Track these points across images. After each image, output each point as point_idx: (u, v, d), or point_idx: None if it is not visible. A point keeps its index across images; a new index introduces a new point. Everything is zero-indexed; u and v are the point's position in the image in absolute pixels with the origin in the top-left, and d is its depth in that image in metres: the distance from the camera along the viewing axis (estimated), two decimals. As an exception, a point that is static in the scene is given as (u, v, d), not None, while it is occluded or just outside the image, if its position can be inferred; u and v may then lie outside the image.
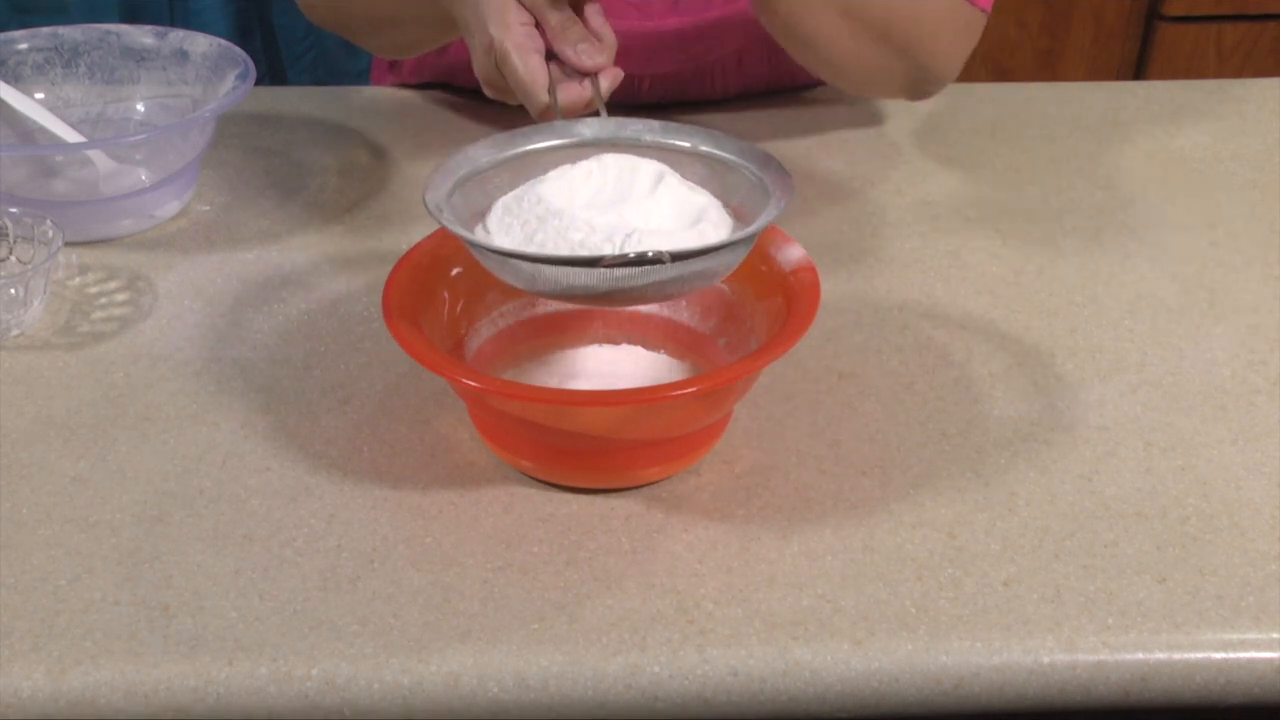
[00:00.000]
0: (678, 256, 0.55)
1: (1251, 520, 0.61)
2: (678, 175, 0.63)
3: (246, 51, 0.88)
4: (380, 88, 1.08)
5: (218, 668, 0.53)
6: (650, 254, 0.55)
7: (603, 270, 0.55)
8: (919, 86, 0.86)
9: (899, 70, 0.83)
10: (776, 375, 0.70)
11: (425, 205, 0.59)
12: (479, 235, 0.61)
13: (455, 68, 1.03)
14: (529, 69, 0.67)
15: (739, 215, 0.62)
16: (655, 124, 0.66)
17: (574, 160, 0.64)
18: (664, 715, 0.54)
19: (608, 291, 0.57)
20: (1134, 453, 0.66)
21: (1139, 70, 1.89)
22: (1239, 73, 1.87)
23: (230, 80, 0.87)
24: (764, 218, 0.59)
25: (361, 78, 1.51)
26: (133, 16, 1.48)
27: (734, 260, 0.60)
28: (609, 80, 0.69)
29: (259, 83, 0.86)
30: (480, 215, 0.63)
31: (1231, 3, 1.82)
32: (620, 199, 0.61)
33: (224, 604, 0.56)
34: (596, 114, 0.67)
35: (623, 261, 0.55)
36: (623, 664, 0.54)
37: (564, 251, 0.57)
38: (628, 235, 0.57)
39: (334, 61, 1.59)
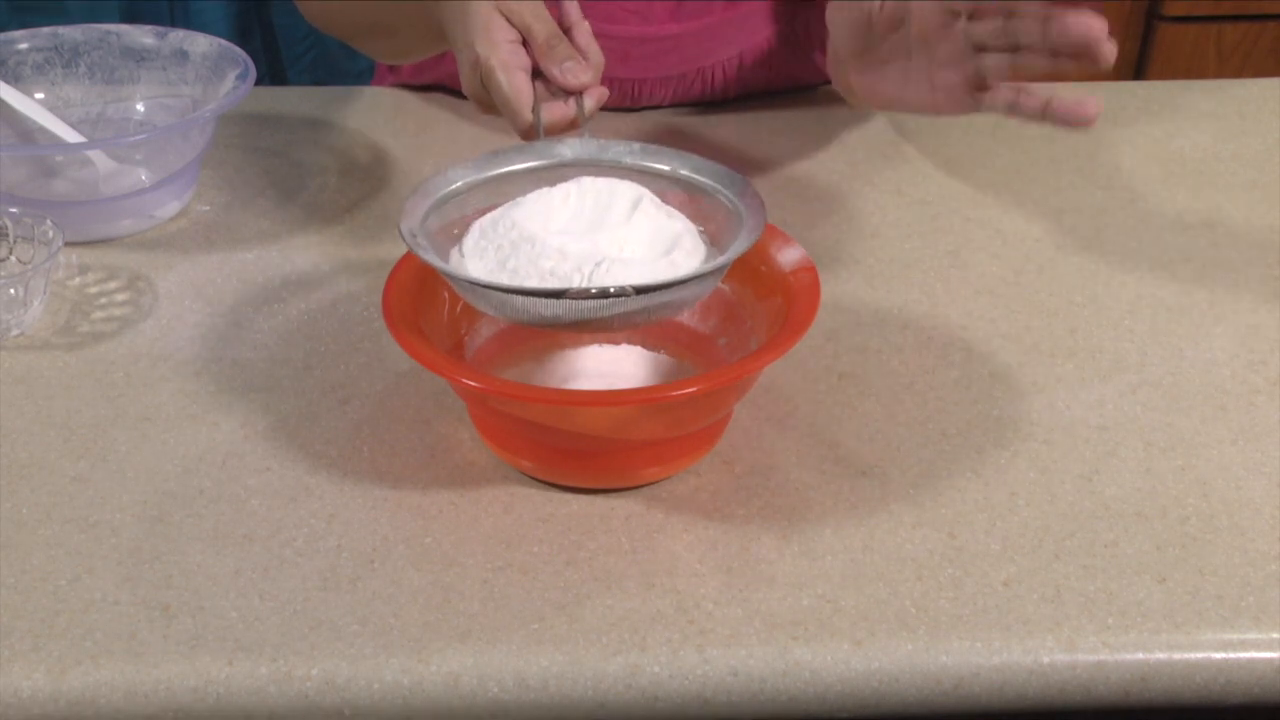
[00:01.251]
0: (641, 290, 0.56)
1: (1251, 520, 0.61)
2: (656, 200, 0.63)
3: (246, 51, 0.88)
4: (380, 88, 1.08)
5: (218, 668, 0.53)
6: (613, 289, 0.55)
7: (568, 301, 0.56)
8: None
9: None
10: (776, 375, 0.70)
11: (399, 232, 0.60)
12: (453, 258, 0.61)
13: (453, 74, 1.02)
14: (513, 86, 0.67)
15: (715, 241, 0.63)
16: (636, 146, 0.66)
17: (553, 182, 0.64)
18: (664, 715, 0.54)
19: (575, 321, 0.58)
20: (1134, 453, 0.66)
21: (1139, 70, 1.89)
22: (1239, 73, 1.86)
23: (230, 80, 0.87)
24: (732, 251, 0.60)
25: (361, 78, 1.50)
26: (133, 16, 1.48)
27: (701, 291, 0.60)
28: (594, 99, 0.69)
29: (259, 83, 0.86)
30: (458, 236, 0.63)
31: (1231, 3, 1.82)
32: (596, 224, 0.62)
33: (224, 604, 0.56)
34: (580, 133, 0.68)
35: (587, 294, 0.56)
36: (623, 664, 0.54)
37: (534, 279, 0.58)
38: (597, 265, 0.58)
39: (334, 61, 1.59)
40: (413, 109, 1.03)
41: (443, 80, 1.04)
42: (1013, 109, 0.64)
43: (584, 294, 0.56)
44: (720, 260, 0.59)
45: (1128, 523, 0.61)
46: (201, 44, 0.90)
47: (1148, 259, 0.83)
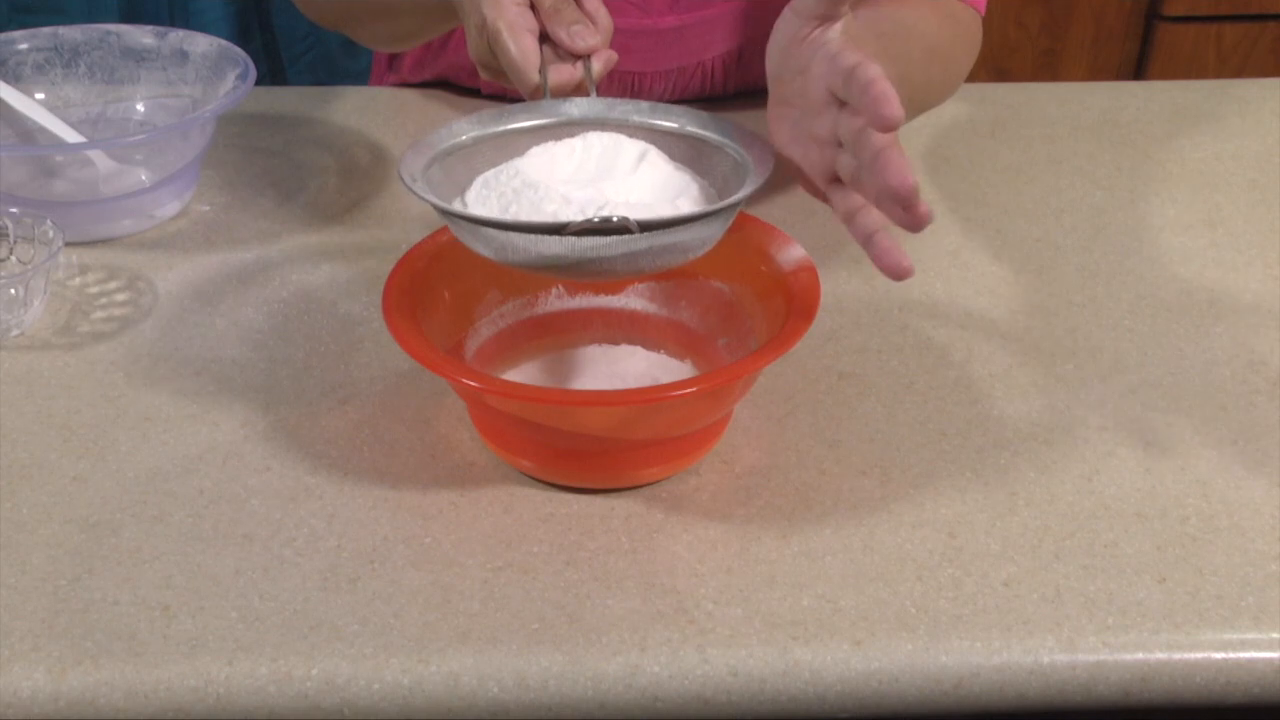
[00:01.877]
0: (645, 226, 0.55)
1: (1251, 520, 0.61)
2: (662, 154, 0.62)
3: (246, 51, 0.88)
4: (380, 87, 1.08)
5: (218, 668, 0.53)
6: (615, 219, 0.54)
7: (570, 239, 0.55)
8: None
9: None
10: (776, 375, 0.70)
11: (399, 174, 0.59)
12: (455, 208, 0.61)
13: (454, 66, 1.03)
14: (521, 49, 0.67)
15: (723, 196, 0.62)
16: (643, 104, 0.66)
17: (559, 138, 0.63)
18: (664, 715, 0.54)
19: (577, 261, 0.56)
20: (1134, 453, 0.66)
21: (1139, 70, 1.89)
22: (1239, 73, 1.87)
23: (230, 80, 0.87)
24: (740, 193, 0.58)
25: (361, 78, 1.50)
26: (132, 16, 1.48)
27: (707, 235, 0.59)
28: (601, 63, 0.69)
29: (259, 83, 0.86)
30: (461, 189, 0.62)
31: (1231, 3, 1.82)
32: (602, 176, 0.61)
33: (224, 604, 0.56)
34: (586, 95, 0.67)
35: (588, 228, 0.54)
36: (623, 664, 0.54)
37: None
38: (601, 209, 0.57)
39: (334, 61, 1.59)
40: (413, 108, 1.03)
41: (443, 74, 1.04)
42: (848, 220, 0.60)
43: (585, 228, 0.54)
44: (728, 201, 0.58)
45: (1128, 523, 0.61)
46: (201, 44, 0.90)
47: (1148, 259, 0.83)
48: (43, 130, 0.88)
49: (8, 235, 0.77)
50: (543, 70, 0.67)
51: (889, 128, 0.54)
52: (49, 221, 0.76)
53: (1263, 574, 0.58)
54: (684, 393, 0.58)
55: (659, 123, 0.65)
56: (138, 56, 0.92)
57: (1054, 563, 0.59)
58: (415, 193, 0.58)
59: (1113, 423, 0.68)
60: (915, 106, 0.84)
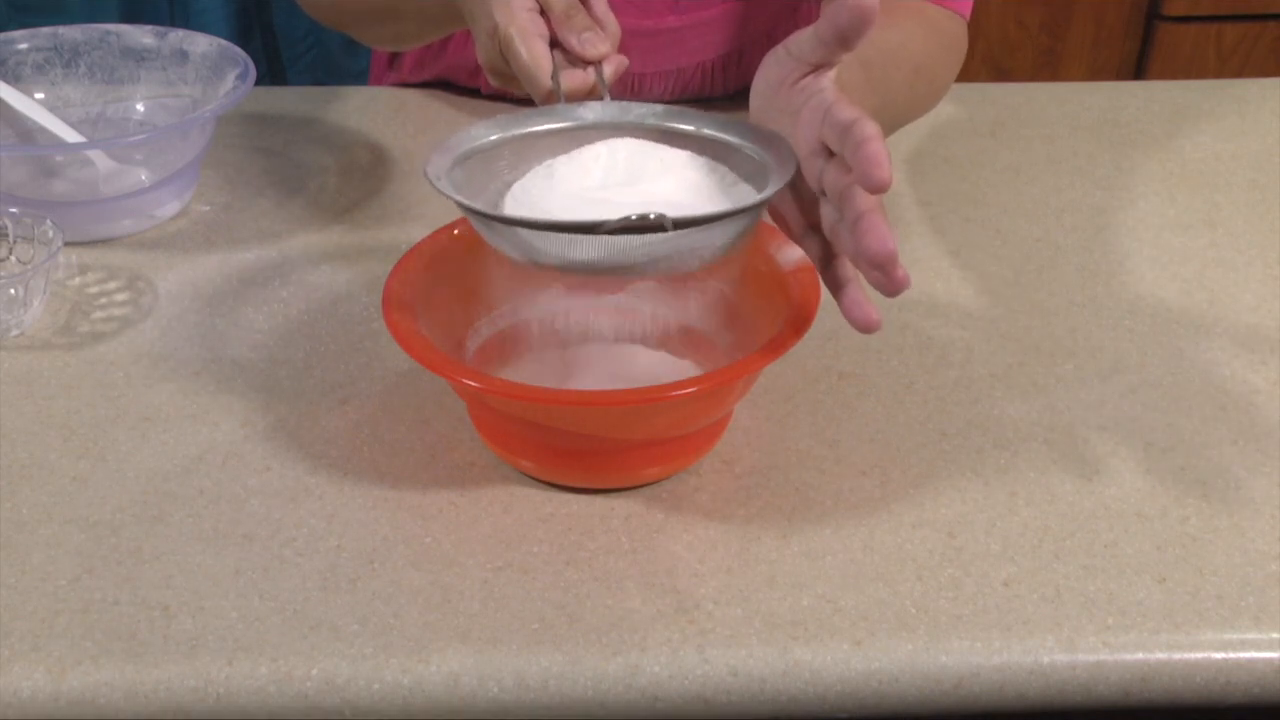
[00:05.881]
0: (680, 224, 0.54)
1: (1251, 520, 0.61)
2: (688, 155, 0.62)
3: (246, 51, 0.88)
4: (380, 87, 1.08)
5: (218, 668, 0.53)
6: (652, 216, 0.53)
7: (603, 238, 0.54)
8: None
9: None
10: (776, 375, 0.70)
11: (426, 175, 0.59)
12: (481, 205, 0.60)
13: (454, 66, 1.03)
14: (533, 55, 0.67)
15: (746, 197, 0.62)
16: (659, 108, 0.65)
17: (579, 143, 0.63)
18: (664, 715, 0.54)
19: (611, 263, 0.56)
20: (1134, 453, 0.66)
21: (1139, 70, 1.89)
22: (1239, 73, 1.87)
23: (230, 80, 0.87)
24: (769, 189, 0.58)
25: (361, 78, 1.50)
26: (132, 16, 1.48)
27: (737, 233, 0.58)
28: (612, 68, 0.69)
29: (259, 83, 0.86)
30: (482, 191, 0.62)
31: (1231, 3, 1.82)
32: (634, 179, 0.61)
33: (224, 604, 0.56)
34: (600, 99, 0.67)
35: (623, 226, 0.53)
36: (623, 664, 0.54)
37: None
38: (643, 206, 0.56)
39: (334, 61, 1.59)
40: (413, 108, 1.03)
41: (443, 75, 1.04)
42: (822, 266, 0.60)
43: (620, 226, 0.53)
44: (760, 196, 0.57)
45: (1128, 523, 0.61)
46: (201, 44, 0.90)
47: (1148, 259, 0.83)
48: (43, 130, 0.88)
49: (7, 235, 0.77)
50: (554, 75, 0.67)
51: (878, 190, 0.53)
52: (49, 221, 0.76)
53: (1263, 574, 0.58)
54: (684, 393, 0.57)
55: (676, 126, 0.65)
56: (138, 56, 0.92)
57: (1054, 563, 0.59)
58: (445, 193, 0.57)
59: (1113, 423, 0.68)
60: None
